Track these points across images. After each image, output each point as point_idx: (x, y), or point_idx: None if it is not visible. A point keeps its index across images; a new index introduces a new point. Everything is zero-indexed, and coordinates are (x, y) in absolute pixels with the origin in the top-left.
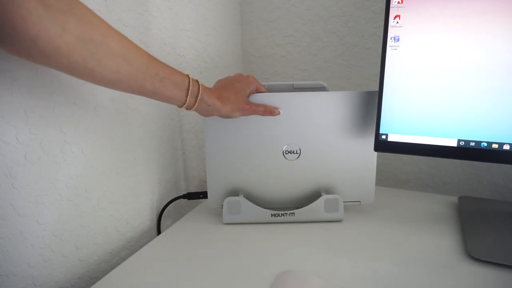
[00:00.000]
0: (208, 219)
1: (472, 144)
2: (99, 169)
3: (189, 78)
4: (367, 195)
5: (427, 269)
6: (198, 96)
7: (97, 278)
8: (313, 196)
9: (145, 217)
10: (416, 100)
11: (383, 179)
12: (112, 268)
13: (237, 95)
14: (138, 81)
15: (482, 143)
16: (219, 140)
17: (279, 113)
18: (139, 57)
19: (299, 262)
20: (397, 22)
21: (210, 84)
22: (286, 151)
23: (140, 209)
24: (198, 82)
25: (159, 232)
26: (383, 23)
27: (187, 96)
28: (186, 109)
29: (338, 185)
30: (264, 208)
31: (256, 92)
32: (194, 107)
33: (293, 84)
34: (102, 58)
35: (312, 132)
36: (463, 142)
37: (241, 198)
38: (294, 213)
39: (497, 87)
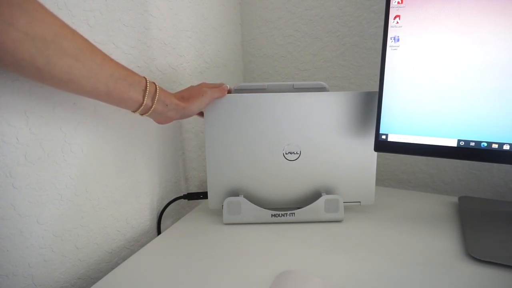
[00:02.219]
0: (208, 219)
1: (472, 144)
2: (99, 169)
3: (146, 79)
4: (367, 196)
5: (427, 269)
6: (155, 97)
7: (97, 278)
8: (313, 196)
9: (145, 217)
10: (416, 100)
11: (383, 179)
12: (112, 268)
13: (192, 93)
14: (91, 82)
15: (482, 143)
16: (219, 140)
17: (227, 87)
18: (93, 57)
19: (299, 262)
20: (397, 22)
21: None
22: (286, 151)
23: (140, 209)
24: (155, 84)
25: (159, 232)
26: (383, 23)
27: (144, 97)
28: (141, 113)
29: (338, 185)
30: (264, 208)
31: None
32: (151, 109)
33: (293, 84)
34: (52, 57)
35: (312, 132)
36: (463, 142)
37: (241, 198)
38: (294, 213)
39: (497, 87)
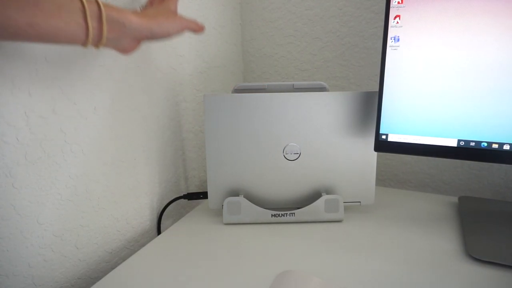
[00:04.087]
0: (208, 219)
1: (472, 144)
2: (99, 169)
3: None
4: (367, 196)
5: (427, 269)
6: (102, 16)
7: (97, 278)
8: (313, 196)
9: (145, 217)
10: (416, 100)
11: (383, 179)
12: (112, 268)
13: (159, 12)
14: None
15: (482, 143)
16: (219, 140)
17: (203, 26)
18: None
19: (299, 262)
20: (397, 22)
21: (210, 85)
22: (286, 151)
23: (140, 209)
24: (96, 0)
25: (159, 232)
26: (383, 23)
27: (86, 21)
28: (95, 45)
29: (338, 185)
30: (264, 208)
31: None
32: (103, 35)
33: (293, 84)
34: None
35: (312, 132)
36: (463, 142)
37: (241, 198)
38: (294, 213)
39: (497, 87)
